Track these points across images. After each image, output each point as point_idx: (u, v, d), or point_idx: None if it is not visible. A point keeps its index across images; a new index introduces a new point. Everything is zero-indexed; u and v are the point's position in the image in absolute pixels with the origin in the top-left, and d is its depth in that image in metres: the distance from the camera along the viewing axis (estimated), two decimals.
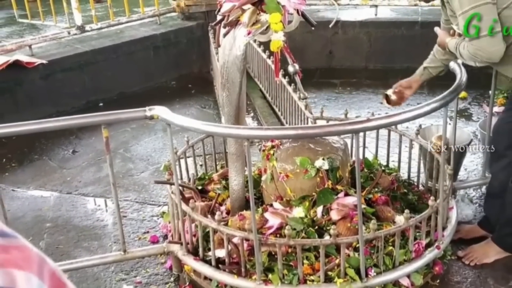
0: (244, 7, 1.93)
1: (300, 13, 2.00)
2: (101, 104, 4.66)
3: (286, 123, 3.75)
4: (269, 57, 4.01)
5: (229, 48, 2.08)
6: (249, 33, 1.94)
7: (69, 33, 4.90)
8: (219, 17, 2.09)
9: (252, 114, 4.28)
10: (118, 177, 3.34)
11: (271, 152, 2.43)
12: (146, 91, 4.89)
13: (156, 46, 5.03)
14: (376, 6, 5.27)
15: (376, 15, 5.27)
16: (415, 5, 5.15)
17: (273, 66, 3.58)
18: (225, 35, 2.05)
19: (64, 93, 4.47)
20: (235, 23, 1.99)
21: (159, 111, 2.09)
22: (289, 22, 2.07)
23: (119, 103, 4.46)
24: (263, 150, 2.50)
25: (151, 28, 5.23)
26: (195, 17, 5.32)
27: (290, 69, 2.21)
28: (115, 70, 4.77)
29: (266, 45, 3.96)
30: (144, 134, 4.10)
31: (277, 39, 1.91)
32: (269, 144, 2.48)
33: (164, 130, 3.95)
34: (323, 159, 2.33)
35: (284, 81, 3.59)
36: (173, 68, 5.16)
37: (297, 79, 2.35)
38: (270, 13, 1.88)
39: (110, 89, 4.73)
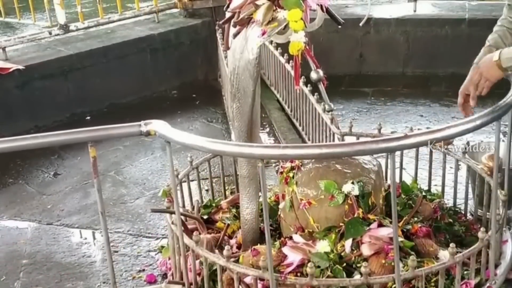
0: (258, 2, 1.97)
1: (324, 9, 2.04)
2: (88, 117, 4.73)
3: (309, 139, 3.78)
4: (288, 61, 4.05)
5: (240, 51, 2.12)
6: (263, 33, 1.97)
7: (50, 33, 5.00)
8: (228, 14, 2.13)
9: (268, 129, 4.31)
10: (108, 205, 3.38)
11: (291, 174, 2.45)
12: (141, 102, 4.96)
13: (154, 48, 5.11)
14: (415, 0, 5.30)
15: (415, 11, 5.30)
16: None
17: (292, 73, 3.62)
18: (235, 35, 2.09)
19: (44, 105, 4.55)
20: (247, 22, 2.02)
21: (157, 126, 2.12)
22: (312, 20, 2.10)
23: (109, 116, 4.54)
24: (281, 173, 2.52)
25: (148, 27, 5.32)
26: (200, 14, 5.40)
27: (313, 75, 2.23)
28: (105, 77, 4.84)
29: (284, 47, 4.01)
30: (139, 153, 4.14)
31: (298, 40, 1.93)
32: (288, 165, 2.50)
33: (164, 149, 4.00)
34: (353, 183, 2.34)
35: (306, 90, 3.62)
36: (174, 74, 5.23)
37: (321, 87, 2.37)
38: (288, 10, 1.91)
39: (98, 99, 4.81)
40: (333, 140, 3.15)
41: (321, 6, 2.01)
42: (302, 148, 2.10)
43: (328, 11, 2.07)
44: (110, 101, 4.87)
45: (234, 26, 2.07)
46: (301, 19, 1.91)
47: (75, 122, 4.44)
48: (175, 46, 5.23)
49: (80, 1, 5.24)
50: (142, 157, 4.10)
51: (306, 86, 3.61)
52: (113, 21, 5.33)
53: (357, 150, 1.91)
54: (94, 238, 3.20)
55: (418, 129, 3.96)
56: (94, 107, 4.77)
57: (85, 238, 3.20)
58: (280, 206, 2.54)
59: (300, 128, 4.02)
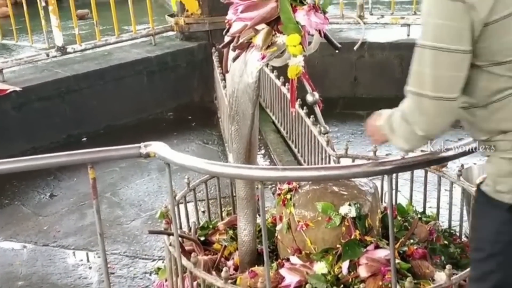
0: (258, 27, 2.01)
1: (322, 34, 2.08)
2: (84, 138, 4.75)
3: (304, 161, 3.80)
4: (284, 84, 4.09)
5: (239, 75, 2.15)
6: (263, 58, 2.00)
7: (47, 55, 5.04)
8: (227, 39, 2.17)
9: (263, 151, 4.34)
10: (104, 226, 3.36)
11: (288, 196, 2.46)
12: (138, 123, 4.99)
13: (151, 70, 5.16)
14: (408, 25, 5.38)
15: (408, 35, 5.37)
16: None
17: (288, 95, 3.66)
18: (234, 59, 2.12)
19: (41, 126, 4.57)
20: (246, 46, 2.06)
21: (157, 148, 2.13)
22: (308, 43, 2.13)
23: (105, 137, 4.56)
24: (278, 194, 2.54)
25: (144, 49, 5.37)
26: (196, 37, 5.46)
27: (309, 98, 2.26)
28: (101, 99, 4.87)
29: (280, 70, 4.06)
30: (135, 174, 4.16)
31: (296, 65, 1.97)
32: (285, 187, 2.51)
33: (160, 170, 4.02)
34: (350, 204, 2.36)
35: (302, 112, 3.65)
36: (171, 96, 5.27)
37: (317, 110, 2.40)
38: (287, 35, 1.94)
39: (95, 121, 4.83)
40: (329, 162, 3.17)
41: (319, 31, 2.05)
42: (301, 170, 2.13)
43: (325, 36, 2.10)
44: (107, 123, 4.89)
45: (234, 50, 2.10)
46: (300, 44, 1.94)
47: (72, 144, 4.46)
48: (172, 69, 5.28)
49: (77, 23, 5.28)
50: (138, 178, 4.11)
51: (302, 109, 3.64)
52: (110, 44, 5.39)
53: (355, 172, 1.93)
54: (90, 260, 3.19)
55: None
56: (90, 128, 4.79)
57: (81, 260, 3.20)
58: (278, 227, 2.55)
59: (295, 150, 4.04)
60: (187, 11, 5.38)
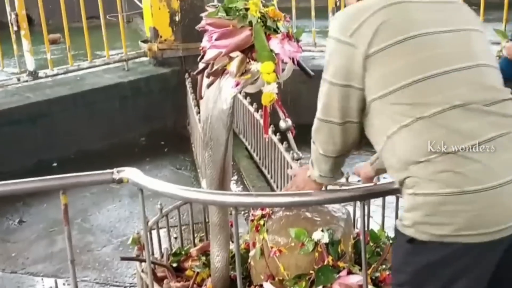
0: (232, 54, 2.02)
1: (295, 61, 2.10)
2: (55, 164, 4.68)
3: (277, 187, 3.81)
4: (257, 110, 4.12)
5: (214, 101, 2.16)
6: (237, 84, 2.02)
7: (19, 79, 5.00)
8: (201, 65, 2.18)
9: (236, 177, 4.34)
10: (74, 253, 3.28)
11: (261, 222, 2.46)
12: (109, 149, 4.95)
13: (123, 96, 5.14)
14: None
15: None
16: None
17: (261, 121, 3.68)
18: (208, 86, 2.13)
19: (11, 151, 4.51)
20: (221, 73, 2.07)
21: (130, 173, 2.12)
22: (282, 70, 2.16)
23: (76, 163, 4.52)
24: (252, 220, 2.53)
25: (117, 75, 5.36)
26: (169, 63, 5.48)
27: (282, 124, 2.28)
28: (73, 123, 4.84)
29: (253, 97, 4.08)
30: (106, 200, 4.11)
31: (270, 92, 1.99)
32: (258, 212, 2.51)
33: (131, 196, 3.99)
34: (322, 230, 2.36)
35: (275, 138, 3.67)
36: (143, 122, 5.25)
37: (290, 136, 2.42)
38: (261, 62, 1.97)
39: (66, 146, 4.78)
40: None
41: (293, 59, 2.08)
42: (275, 197, 2.13)
43: (299, 64, 2.13)
44: (78, 148, 4.84)
45: (208, 76, 2.11)
46: (274, 71, 1.96)
47: (42, 169, 4.36)
48: (145, 94, 5.27)
49: (49, 48, 5.26)
50: (109, 204, 4.07)
51: (275, 135, 3.66)
52: (83, 69, 5.37)
53: (328, 198, 1.95)
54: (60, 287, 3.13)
55: (384, 178, 4.03)
56: (61, 153, 4.73)
57: (50, 287, 3.14)
58: (251, 254, 2.54)
59: (268, 176, 4.05)
60: (161, 37, 5.40)
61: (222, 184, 2.39)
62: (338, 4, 5.40)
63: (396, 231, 1.58)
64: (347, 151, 1.76)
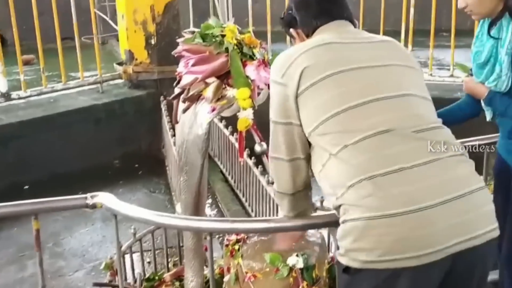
0: (208, 80, 2.04)
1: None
2: (26, 187, 4.61)
3: (252, 211, 3.81)
4: (232, 134, 4.12)
5: (189, 126, 2.16)
6: (213, 110, 2.03)
7: None
8: (177, 90, 2.19)
9: (210, 200, 4.32)
10: (46, 278, 3.22)
11: (236, 247, 2.45)
12: (83, 171, 4.88)
13: (98, 118, 5.10)
14: None
15: None
16: None
17: (237, 145, 3.68)
18: (184, 110, 2.14)
19: None
20: (196, 98, 2.08)
21: (104, 198, 2.11)
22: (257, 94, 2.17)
23: (49, 186, 4.43)
24: (226, 245, 2.52)
25: (91, 97, 5.32)
26: (144, 86, 5.46)
27: (257, 148, 2.29)
28: (46, 146, 4.78)
29: (228, 120, 4.09)
30: (79, 224, 4.05)
31: (245, 117, 2.00)
32: (233, 237, 2.50)
33: (104, 220, 3.95)
34: (297, 255, 2.36)
35: (250, 162, 3.68)
36: (117, 144, 5.21)
37: (265, 160, 2.43)
38: (237, 88, 1.98)
39: (39, 168, 4.71)
40: (277, 212, 3.18)
41: (268, 85, 2.09)
42: (250, 222, 2.14)
43: None
44: (51, 170, 4.77)
45: (184, 101, 2.12)
46: (249, 97, 1.98)
47: (12, 192, 4.28)
48: (119, 116, 5.24)
49: (22, 69, 5.20)
50: (82, 228, 4.01)
51: (250, 159, 3.67)
52: (57, 91, 5.32)
53: (303, 224, 1.96)
54: None
55: None
56: (34, 176, 4.66)
57: None
58: (225, 279, 2.52)
59: (243, 200, 4.05)
60: (136, 59, 5.39)
61: (197, 209, 2.39)
62: None
63: (336, 261, 1.61)
64: (302, 187, 1.80)
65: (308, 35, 1.78)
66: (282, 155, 1.72)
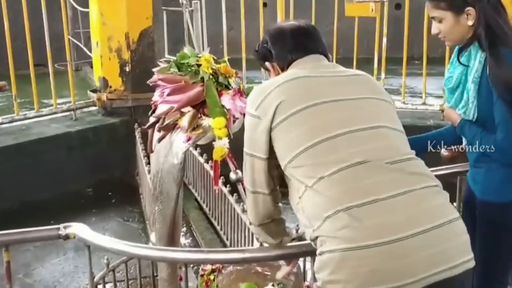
0: (184, 109, 2.04)
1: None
2: None
3: (227, 239, 3.78)
4: (207, 161, 4.11)
5: (164, 155, 2.15)
6: (188, 139, 2.03)
7: None
8: (152, 119, 2.18)
9: (185, 229, 4.28)
10: None
11: (211, 277, 2.43)
12: (55, 200, 4.80)
13: (70, 146, 5.05)
14: None
15: None
16: None
17: (211, 173, 3.67)
18: (159, 140, 2.13)
19: None
20: (172, 127, 2.08)
21: (77, 229, 2.08)
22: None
23: (20, 215, 4.37)
24: (201, 275, 2.50)
25: (65, 124, 5.27)
26: (118, 113, 5.43)
27: (232, 176, 2.29)
28: (17, 174, 4.70)
29: (203, 147, 4.08)
30: (50, 254, 3.98)
31: (221, 147, 2.00)
32: (208, 267, 2.48)
33: (76, 250, 3.88)
34: (273, 285, 2.35)
35: (225, 190, 3.67)
36: (90, 172, 5.15)
37: (240, 188, 2.42)
38: (213, 117, 1.99)
39: (9, 197, 4.63)
40: (252, 241, 3.17)
41: (244, 115, 2.10)
42: (225, 253, 2.12)
43: None
44: (22, 199, 4.69)
45: (159, 131, 2.11)
46: (225, 126, 1.98)
47: None
48: (92, 144, 5.19)
49: None
50: (53, 258, 3.94)
51: (225, 187, 3.66)
52: (29, 118, 5.25)
53: (278, 254, 1.95)
54: None
55: None
56: (3, 205, 4.56)
57: None
58: None
59: (218, 228, 4.02)
60: (110, 87, 5.37)
61: (172, 239, 2.37)
62: None
63: None
64: (268, 220, 1.81)
65: (283, 69, 1.80)
66: (248, 186, 1.75)
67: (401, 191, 1.53)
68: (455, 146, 2.47)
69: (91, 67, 6.81)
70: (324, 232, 1.51)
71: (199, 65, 2.05)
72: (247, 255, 1.88)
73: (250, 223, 1.86)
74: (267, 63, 1.84)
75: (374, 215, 1.48)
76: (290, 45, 1.79)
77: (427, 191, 1.58)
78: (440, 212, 1.55)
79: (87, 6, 5.96)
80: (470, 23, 2.03)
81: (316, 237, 1.54)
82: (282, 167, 1.65)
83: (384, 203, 1.50)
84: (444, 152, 2.47)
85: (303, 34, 1.82)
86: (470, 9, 2.01)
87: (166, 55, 5.77)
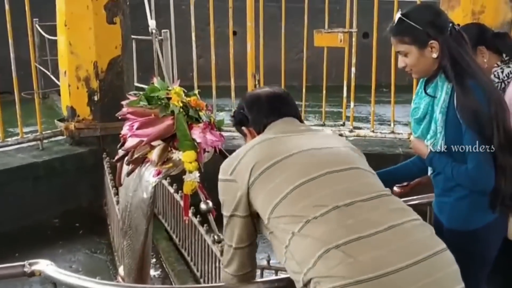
0: (154, 143, 2.02)
1: (217, 150, 2.12)
2: None
3: (197, 270, 3.74)
4: (177, 191, 4.08)
5: (133, 189, 2.13)
6: (158, 173, 2.00)
7: None
8: (121, 152, 2.15)
9: (154, 260, 4.22)
10: None
11: None
12: (19, 231, 4.67)
13: (37, 176, 4.94)
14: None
15: None
16: (340, 135, 5.54)
17: (181, 203, 3.64)
18: (129, 173, 2.10)
19: None
20: (141, 161, 2.05)
21: (42, 266, 2.03)
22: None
23: None
24: None
25: (31, 154, 5.16)
26: (87, 143, 5.35)
27: (203, 206, 2.27)
28: None
29: (173, 177, 4.03)
30: None
31: (192, 181, 1.98)
32: None
33: (42, 283, 3.77)
34: None
35: (195, 220, 3.63)
36: (57, 202, 5.04)
37: (211, 218, 2.40)
38: (183, 151, 1.97)
39: None
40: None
41: (214, 148, 2.09)
42: None
43: (221, 153, 2.15)
44: None
45: (128, 164, 2.08)
46: (196, 160, 1.97)
47: None
48: (59, 174, 5.08)
49: None
50: None
51: (196, 217, 3.62)
52: None
53: None
54: None
55: None
56: None
57: None
58: None
59: (189, 259, 3.97)
60: (78, 116, 5.31)
61: (141, 274, 2.32)
62: (257, 86, 5.54)
63: None
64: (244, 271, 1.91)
65: (259, 133, 1.91)
66: (228, 241, 1.87)
67: (386, 226, 1.59)
68: (405, 183, 2.56)
69: (59, 94, 6.74)
70: (319, 272, 1.53)
71: (169, 98, 2.04)
72: None
73: (224, 270, 1.94)
74: (243, 128, 1.96)
75: (365, 251, 1.53)
76: (266, 110, 1.92)
77: (411, 224, 1.64)
78: (430, 243, 1.62)
79: (55, 34, 5.91)
80: (434, 55, 2.09)
81: (309, 280, 1.56)
82: (266, 221, 1.71)
83: (375, 238, 1.55)
84: (396, 188, 2.55)
85: (278, 100, 1.95)
86: (434, 42, 2.07)
87: (136, 83, 5.75)
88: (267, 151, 1.76)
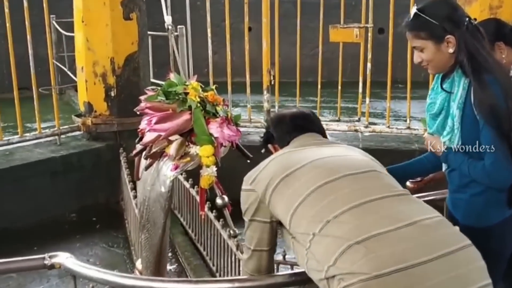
0: (171, 137, 2.03)
1: (235, 145, 2.13)
2: None
3: (213, 265, 3.76)
4: (192, 186, 4.09)
5: (151, 183, 2.14)
6: (176, 168, 2.02)
7: None
8: (139, 147, 2.17)
9: (170, 254, 4.24)
10: None
11: None
12: (38, 226, 4.74)
13: (55, 171, 4.99)
14: None
15: None
16: (355, 130, 5.53)
17: (197, 198, 3.65)
18: (146, 168, 2.12)
19: None
20: (159, 155, 2.07)
21: (62, 259, 2.05)
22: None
23: (3, 241, 4.30)
24: None
25: (49, 149, 5.21)
26: (103, 138, 5.38)
27: (218, 201, 2.28)
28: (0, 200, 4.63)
29: (189, 172, 4.05)
30: (34, 281, 3.91)
31: (209, 175, 2.00)
32: None
33: (60, 276, 3.82)
34: None
35: (211, 215, 3.65)
36: (74, 197, 5.10)
37: (227, 213, 2.42)
38: (201, 146, 1.98)
39: None
40: (239, 266, 3.15)
41: (232, 142, 2.10)
42: (214, 283, 2.10)
43: (238, 147, 2.16)
44: (5, 225, 4.61)
45: (146, 158, 2.10)
46: (213, 154, 1.98)
47: None
48: (77, 169, 5.13)
49: None
50: (37, 285, 3.87)
51: (211, 212, 3.63)
52: (12, 143, 5.19)
53: (269, 283, 1.94)
54: None
55: None
56: None
57: None
58: None
59: (204, 253, 3.99)
60: (95, 111, 5.35)
61: (158, 267, 2.35)
62: (272, 82, 5.54)
63: None
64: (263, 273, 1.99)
65: (283, 148, 1.99)
66: (249, 245, 1.94)
67: (409, 222, 1.62)
68: (419, 178, 2.55)
69: (75, 90, 6.79)
70: (342, 269, 1.55)
71: (186, 93, 2.05)
72: (236, 285, 1.87)
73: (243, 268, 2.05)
74: (269, 145, 2.08)
75: (387, 245, 1.55)
76: (289, 127, 2.02)
77: (435, 220, 1.67)
78: (454, 238, 1.64)
79: (71, 31, 5.95)
80: (451, 50, 2.07)
81: (333, 276, 1.57)
82: (287, 227, 1.77)
83: (395, 233, 1.58)
84: (409, 184, 2.55)
85: (301, 117, 2.06)
86: (450, 37, 2.05)
87: (152, 79, 5.77)
88: (285, 162, 1.84)
